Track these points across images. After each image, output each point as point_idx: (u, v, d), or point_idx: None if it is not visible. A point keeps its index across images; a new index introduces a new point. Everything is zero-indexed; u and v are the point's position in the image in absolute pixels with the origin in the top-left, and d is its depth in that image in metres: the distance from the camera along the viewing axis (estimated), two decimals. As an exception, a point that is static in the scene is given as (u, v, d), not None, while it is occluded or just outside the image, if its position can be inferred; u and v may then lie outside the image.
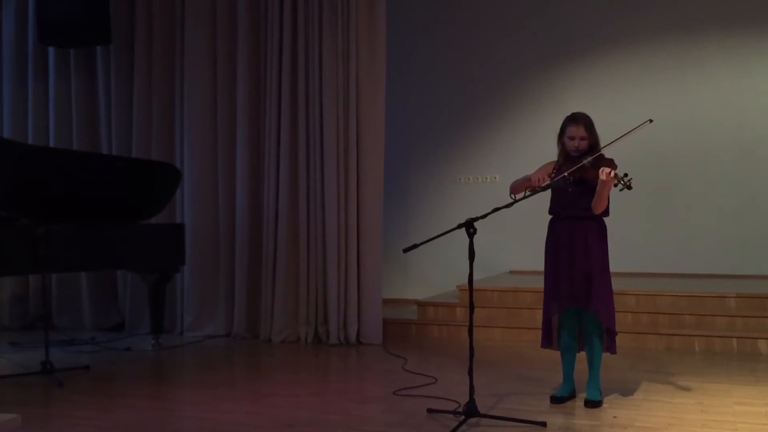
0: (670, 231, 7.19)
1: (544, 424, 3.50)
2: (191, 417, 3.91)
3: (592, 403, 3.86)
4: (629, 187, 3.66)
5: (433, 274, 7.49)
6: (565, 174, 3.74)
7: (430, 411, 3.78)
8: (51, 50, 7.02)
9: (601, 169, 3.66)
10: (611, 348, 3.91)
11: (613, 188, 3.75)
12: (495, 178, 7.61)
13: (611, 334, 3.89)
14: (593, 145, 3.83)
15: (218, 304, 6.38)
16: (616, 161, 3.78)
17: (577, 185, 3.80)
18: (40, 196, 5.21)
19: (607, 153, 3.85)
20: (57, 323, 6.84)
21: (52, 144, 6.95)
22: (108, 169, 5.62)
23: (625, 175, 3.68)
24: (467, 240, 3.52)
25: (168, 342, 6.00)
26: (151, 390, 4.55)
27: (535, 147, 6.86)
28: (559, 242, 3.89)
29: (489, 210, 3.64)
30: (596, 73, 7.41)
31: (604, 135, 3.88)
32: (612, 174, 3.63)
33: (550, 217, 3.98)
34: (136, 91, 6.66)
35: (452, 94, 7.83)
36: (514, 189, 3.91)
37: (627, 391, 4.18)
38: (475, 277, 3.61)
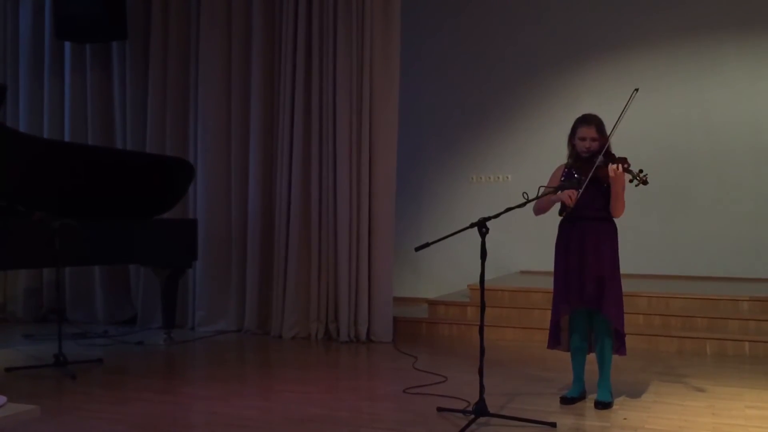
0: (684, 233, 7.15)
1: (554, 425, 3.50)
2: (203, 411, 3.94)
3: (603, 405, 3.85)
4: (645, 182, 3.68)
5: (444, 273, 7.49)
6: (582, 177, 3.75)
7: (440, 410, 3.79)
8: (67, 45, 7.07)
9: (609, 165, 3.67)
10: (621, 350, 3.90)
11: (628, 184, 3.77)
12: (508, 177, 7.61)
13: (620, 336, 3.88)
14: (604, 146, 3.83)
15: (230, 300, 6.41)
16: (628, 161, 3.78)
17: (590, 185, 3.79)
18: (55, 190, 5.25)
19: (616, 145, 3.86)
20: (70, 316, 6.90)
21: (67, 138, 7.01)
22: (122, 164, 5.64)
23: (641, 171, 3.69)
24: (479, 239, 3.52)
25: (180, 337, 6.03)
26: (163, 384, 4.58)
27: (548, 147, 6.86)
28: (570, 244, 3.88)
29: (501, 209, 3.64)
30: (610, 75, 7.36)
31: (617, 136, 3.88)
32: (620, 169, 3.65)
33: (560, 218, 3.98)
34: (151, 87, 6.69)
35: (465, 93, 7.82)
36: (540, 208, 3.91)
37: (638, 392, 4.17)
38: (486, 277, 3.61)
